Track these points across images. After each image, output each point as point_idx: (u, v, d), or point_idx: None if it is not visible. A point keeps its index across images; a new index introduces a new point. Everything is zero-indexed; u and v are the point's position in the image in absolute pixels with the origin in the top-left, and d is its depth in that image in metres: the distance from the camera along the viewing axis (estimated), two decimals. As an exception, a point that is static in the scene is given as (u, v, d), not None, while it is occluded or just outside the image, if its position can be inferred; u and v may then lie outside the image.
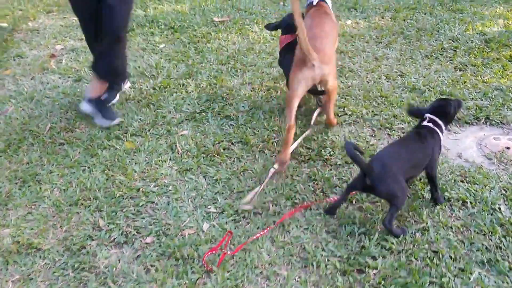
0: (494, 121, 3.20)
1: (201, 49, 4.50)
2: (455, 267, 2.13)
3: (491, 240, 2.25)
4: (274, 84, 3.79)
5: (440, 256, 2.18)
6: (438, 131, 2.46)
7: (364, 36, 4.68)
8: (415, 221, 2.40)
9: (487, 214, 2.38)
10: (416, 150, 2.37)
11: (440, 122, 2.46)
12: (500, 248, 2.21)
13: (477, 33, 4.57)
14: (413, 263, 2.16)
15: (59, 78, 4.11)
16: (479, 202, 2.47)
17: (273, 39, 4.66)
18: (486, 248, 2.21)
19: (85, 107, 3.26)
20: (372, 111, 3.36)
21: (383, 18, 5.13)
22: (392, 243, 2.24)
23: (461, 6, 5.26)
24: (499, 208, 2.41)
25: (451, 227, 2.33)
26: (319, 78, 2.71)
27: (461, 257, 2.18)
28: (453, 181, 2.63)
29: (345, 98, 3.54)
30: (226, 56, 4.30)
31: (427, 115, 2.47)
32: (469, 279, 2.06)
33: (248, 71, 4.03)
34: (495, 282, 2.06)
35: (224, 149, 3.03)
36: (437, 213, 2.41)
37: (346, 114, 3.35)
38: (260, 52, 4.38)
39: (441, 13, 5.14)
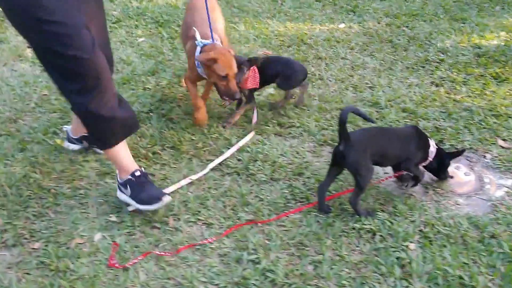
0: (450, 145, 2.93)
1: (176, 46, 4.40)
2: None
3: (385, 282, 2.04)
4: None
5: (326, 294, 2.00)
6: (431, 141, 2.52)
7: (350, 42, 4.45)
8: (315, 251, 2.21)
9: (392, 252, 2.16)
10: (394, 143, 2.43)
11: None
12: (391, 292, 2.01)
13: (471, 46, 4.25)
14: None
15: (30, 66, 4.12)
16: (390, 237, 2.26)
17: (255, 39, 4.51)
18: (376, 290, 2.01)
19: None
20: (322, 125, 3.16)
21: (379, 23, 4.88)
22: (278, 275, 2.07)
23: (466, 15, 4.91)
24: (407, 246, 2.19)
25: (349, 262, 2.13)
26: None
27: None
28: (371, 209, 2.41)
29: (301, 108, 3.35)
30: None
31: None
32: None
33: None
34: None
35: (153, 153, 2.92)
36: (340, 245, 2.22)
37: (294, 126, 3.17)
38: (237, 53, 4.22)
39: (441, 21, 4.81)
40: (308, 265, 2.15)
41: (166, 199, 2.34)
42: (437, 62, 4.03)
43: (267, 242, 2.27)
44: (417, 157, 2.46)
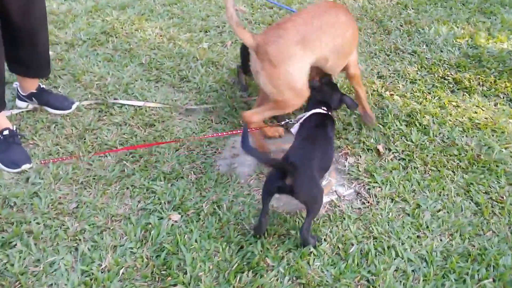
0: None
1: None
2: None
3: None
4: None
5: None
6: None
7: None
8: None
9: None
10: (328, 150, 2.20)
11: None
12: None
13: (468, 44, 3.68)
14: None
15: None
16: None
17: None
18: None
19: None
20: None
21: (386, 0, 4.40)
22: None
23: (496, 9, 4.22)
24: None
25: None
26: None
27: None
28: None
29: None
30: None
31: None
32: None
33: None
34: None
35: None
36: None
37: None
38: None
39: (460, 11, 4.20)
40: None
41: (25, 166, 2.43)
42: (409, 53, 3.57)
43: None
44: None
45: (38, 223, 2.17)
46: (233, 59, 3.44)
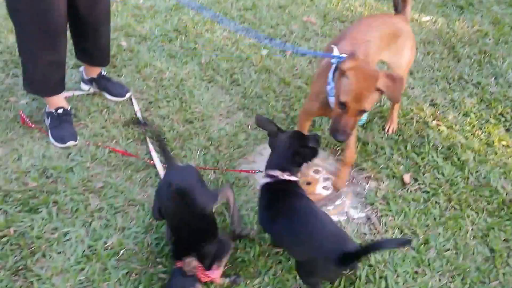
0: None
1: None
2: None
3: None
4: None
5: None
6: None
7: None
8: None
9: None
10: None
11: None
12: None
13: None
14: None
15: None
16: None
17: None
18: None
19: None
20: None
21: (471, 27, 4.19)
22: None
23: None
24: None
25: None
26: None
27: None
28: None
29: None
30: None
31: None
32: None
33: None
34: None
35: None
36: None
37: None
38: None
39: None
40: None
41: (70, 143, 2.72)
42: (473, 84, 3.39)
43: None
44: None
45: (66, 196, 2.41)
46: (288, 69, 3.50)
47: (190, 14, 4.23)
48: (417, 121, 2.98)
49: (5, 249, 2.14)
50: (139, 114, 2.95)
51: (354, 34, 2.30)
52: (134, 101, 3.07)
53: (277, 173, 1.98)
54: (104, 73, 3.15)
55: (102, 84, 3.10)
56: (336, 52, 2.12)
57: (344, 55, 2.05)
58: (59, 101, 2.83)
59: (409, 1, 2.51)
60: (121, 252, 2.15)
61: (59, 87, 2.80)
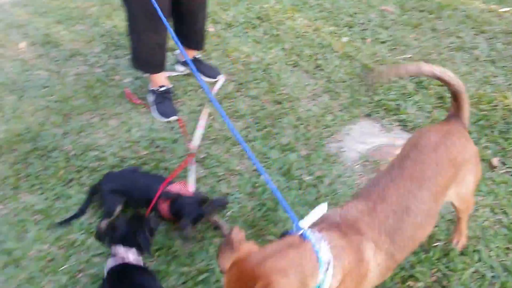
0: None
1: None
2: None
3: None
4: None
5: None
6: None
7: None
8: None
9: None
10: None
11: None
12: None
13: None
14: None
15: None
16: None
17: None
18: None
19: None
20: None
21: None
22: None
23: None
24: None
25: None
26: None
27: None
28: None
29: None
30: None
31: None
32: None
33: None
34: None
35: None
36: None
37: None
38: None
39: None
40: None
41: (173, 118, 2.99)
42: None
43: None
44: None
45: (174, 163, 2.65)
46: (370, 55, 3.61)
47: (271, 3, 4.40)
48: (502, 108, 3.02)
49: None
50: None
51: (385, 192, 1.53)
52: (219, 82, 3.27)
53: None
54: (198, 56, 3.38)
55: (196, 65, 3.34)
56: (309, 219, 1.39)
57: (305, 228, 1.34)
58: (162, 80, 3.08)
59: (464, 103, 1.82)
60: (227, 214, 2.36)
61: (160, 67, 3.05)
